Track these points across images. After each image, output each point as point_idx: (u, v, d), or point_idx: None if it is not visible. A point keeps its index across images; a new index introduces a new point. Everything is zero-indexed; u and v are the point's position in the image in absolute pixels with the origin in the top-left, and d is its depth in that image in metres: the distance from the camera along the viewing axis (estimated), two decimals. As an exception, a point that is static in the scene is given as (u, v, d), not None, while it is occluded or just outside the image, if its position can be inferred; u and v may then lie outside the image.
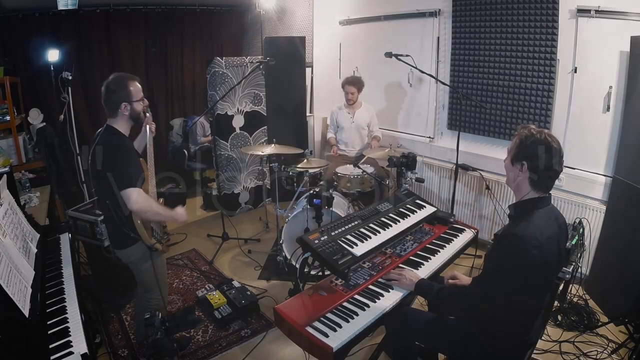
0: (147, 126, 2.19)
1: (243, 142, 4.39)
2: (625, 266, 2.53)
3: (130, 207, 1.85)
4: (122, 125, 2.00)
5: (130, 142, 2.04)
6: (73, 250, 2.17)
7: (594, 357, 2.31)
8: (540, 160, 1.46)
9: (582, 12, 2.78)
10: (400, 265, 1.97)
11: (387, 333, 1.94)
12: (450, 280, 1.94)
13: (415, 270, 1.91)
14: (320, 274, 2.65)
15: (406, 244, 2.16)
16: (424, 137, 4.06)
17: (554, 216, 1.53)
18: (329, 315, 1.62)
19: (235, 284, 2.98)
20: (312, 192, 2.77)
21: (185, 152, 5.05)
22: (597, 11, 2.72)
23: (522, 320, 1.52)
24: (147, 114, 2.18)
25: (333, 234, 1.98)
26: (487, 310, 1.52)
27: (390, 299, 1.73)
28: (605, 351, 2.35)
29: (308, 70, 4.76)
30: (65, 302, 1.66)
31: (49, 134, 3.77)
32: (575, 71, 2.91)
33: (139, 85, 2.02)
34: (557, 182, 3.07)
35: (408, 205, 2.42)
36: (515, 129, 3.26)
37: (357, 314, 1.63)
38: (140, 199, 1.85)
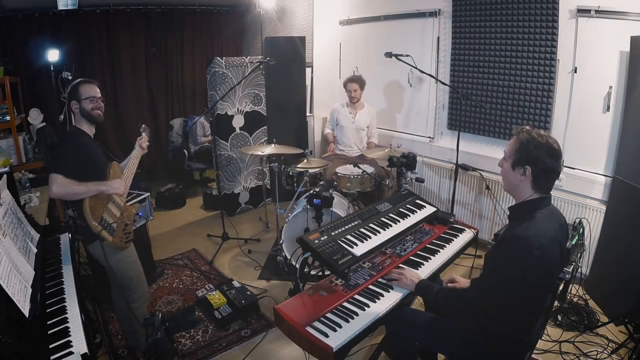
0: (138, 143, 2.33)
1: (243, 142, 4.39)
2: (625, 266, 2.53)
3: (50, 189, 1.94)
4: (83, 126, 2.11)
5: (86, 138, 2.09)
6: (73, 250, 2.17)
7: (594, 357, 2.31)
8: (544, 164, 1.44)
9: (582, 12, 2.78)
10: (400, 265, 1.97)
11: (387, 333, 1.94)
12: (449, 284, 1.94)
13: (415, 271, 1.91)
14: (320, 274, 2.65)
15: (406, 244, 2.16)
16: (424, 137, 4.06)
17: (555, 216, 1.52)
18: (329, 315, 1.62)
19: (235, 284, 2.98)
20: (312, 192, 2.77)
21: (185, 152, 5.05)
22: (597, 11, 2.72)
23: (524, 321, 1.52)
24: (144, 134, 2.37)
25: (333, 234, 1.98)
26: (487, 311, 1.52)
27: (390, 299, 1.73)
28: (605, 351, 2.35)
29: (308, 70, 4.76)
30: (65, 302, 1.66)
31: (49, 134, 3.77)
32: (575, 71, 2.91)
33: (93, 87, 2.12)
34: (557, 182, 3.08)
35: (408, 205, 2.42)
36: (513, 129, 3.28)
37: (357, 314, 1.63)
38: (59, 182, 1.91)
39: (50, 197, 1.97)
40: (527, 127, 1.51)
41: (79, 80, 2.14)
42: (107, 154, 2.20)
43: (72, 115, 2.13)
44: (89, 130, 2.12)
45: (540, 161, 1.44)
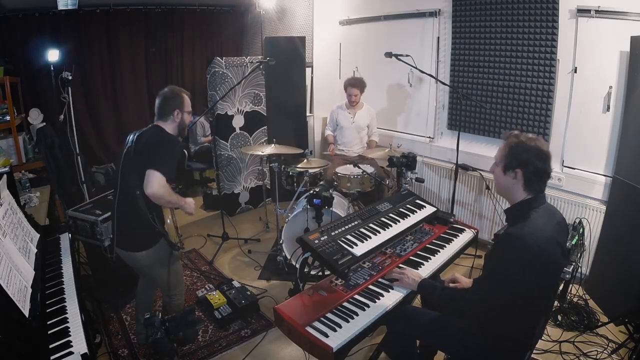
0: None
1: (243, 142, 4.39)
2: (625, 266, 2.53)
3: (150, 187, 1.84)
4: (169, 129, 2.08)
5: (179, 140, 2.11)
6: (73, 250, 2.17)
7: (594, 357, 2.31)
8: (534, 166, 1.47)
9: (582, 12, 2.78)
10: (400, 265, 1.97)
11: (387, 332, 1.94)
12: (450, 284, 1.94)
13: (416, 270, 1.90)
14: (320, 274, 2.64)
15: (406, 244, 2.16)
16: (424, 137, 4.06)
17: (551, 214, 1.53)
18: (329, 315, 1.62)
19: (235, 284, 2.98)
20: (312, 192, 2.77)
21: (185, 152, 5.05)
22: (597, 11, 2.72)
23: (526, 321, 1.52)
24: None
25: (333, 234, 1.98)
26: (489, 312, 1.52)
27: (390, 299, 1.73)
28: (605, 351, 2.35)
29: (308, 70, 4.76)
30: (65, 302, 1.66)
31: (49, 134, 3.77)
32: (575, 71, 2.91)
33: (189, 100, 2.13)
34: (557, 182, 3.08)
35: (408, 205, 2.42)
36: (513, 129, 3.28)
37: (357, 314, 1.63)
38: (162, 183, 1.86)
39: (148, 193, 1.85)
40: (516, 132, 1.55)
41: (178, 88, 2.12)
42: None
43: (164, 121, 2.06)
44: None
45: (530, 164, 1.47)
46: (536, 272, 1.40)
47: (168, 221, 1.99)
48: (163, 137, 2.01)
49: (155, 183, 1.84)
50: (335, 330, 1.53)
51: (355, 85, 3.87)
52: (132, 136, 2.04)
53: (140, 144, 1.97)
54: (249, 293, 2.87)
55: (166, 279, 2.13)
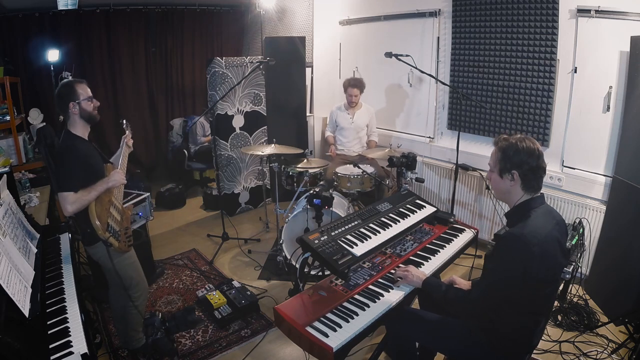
0: (124, 141, 2.30)
1: (243, 142, 4.39)
2: (625, 266, 2.53)
3: (64, 209, 1.90)
4: (78, 128, 2.04)
5: (83, 144, 2.04)
6: (73, 250, 2.17)
7: (594, 357, 2.31)
8: (528, 164, 1.49)
9: (582, 12, 2.78)
10: (400, 265, 1.97)
11: (387, 332, 1.94)
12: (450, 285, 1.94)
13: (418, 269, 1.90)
14: (320, 274, 2.65)
15: (406, 244, 2.16)
16: (424, 137, 4.06)
17: (550, 214, 1.55)
18: (329, 315, 1.62)
19: (235, 284, 2.98)
20: (312, 192, 2.77)
21: (185, 152, 5.06)
22: (597, 11, 2.72)
23: (528, 322, 1.52)
24: (127, 131, 2.34)
25: (333, 234, 1.98)
26: (491, 312, 1.52)
27: (390, 299, 1.73)
28: (605, 351, 2.35)
29: (308, 70, 4.76)
30: (65, 302, 1.66)
31: (49, 134, 3.76)
32: (575, 71, 2.91)
33: (87, 86, 2.06)
34: (557, 182, 3.08)
35: (408, 205, 2.42)
36: (513, 130, 3.28)
37: (357, 314, 1.63)
38: (71, 200, 1.89)
39: (67, 215, 1.92)
40: (504, 135, 1.58)
41: (71, 80, 2.05)
42: (102, 156, 2.17)
43: (67, 118, 2.03)
44: (84, 132, 2.08)
45: (525, 163, 1.49)
46: (537, 271, 1.40)
47: (93, 211, 1.95)
48: (64, 149, 1.99)
49: (66, 204, 1.89)
50: (335, 330, 1.53)
51: (355, 85, 3.88)
52: None
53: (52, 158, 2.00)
54: (249, 293, 2.87)
55: (116, 276, 2.10)
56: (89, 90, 2.06)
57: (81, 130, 2.06)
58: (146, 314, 2.21)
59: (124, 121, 2.42)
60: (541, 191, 1.57)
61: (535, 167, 1.50)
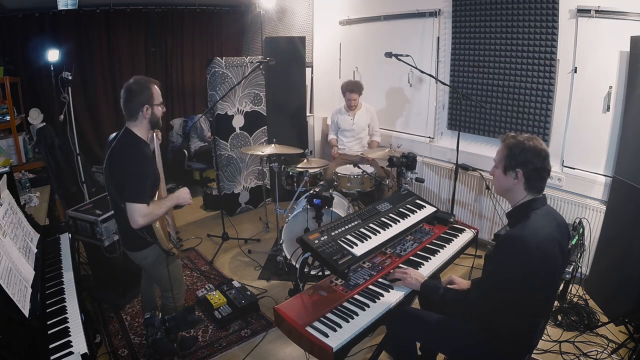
0: (154, 134, 2.17)
1: (243, 142, 4.39)
2: (625, 266, 2.53)
3: (134, 222, 1.78)
4: (141, 130, 1.94)
5: (148, 149, 1.97)
6: (73, 250, 2.17)
7: (594, 357, 2.31)
8: (534, 164, 1.48)
9: (582, 12, 2.78)
10: (400, 265, 1.97)
11: (387, 332, 1.94)
12: (448, 286, 1.94)
13: (417, 271, 1.90)
14: (320, 274, 2.65)
15: (406, 244, 2.16)
16: (424, 137, 4.06)
17: (551, 216, 1.54)
18: (329, 315, 1.62)
19: (235, 284, 2.98)
20: (312, 192, 2.77)
21: (185, 152, 5.06)
22: (597, 11, 2.72)
23: (528, 323, 1.52)
24: None
25: (333, 234, 1.98)
26: (490, 312, 1.52)
27: (390, 299, 1.73)
28: (605, 351, 2.35)
29: (308, 70, 4.76)
30: (65, 302, 1.67)
31: (49, 134, 3.77)
32: (575, 71, 2.91)
33: (159, 90, 1.98)
34: (557, 182, 3.08)
35: (408, 205, 2.42)
36: (513, 129, 3.28)
37: (357, 314, 1.63)
38: (144, 212, 1.79)
39: (134, 227, 1.79)
40: (512, 133, 1.57)
41: (145, 79, 1.94)
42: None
43: (134, 120, 1.90)
44: (146, 134, 1.96)
45: (530, 162, 1.49)
46: (536, 272, 1.40)
47: (157, 225, 1.89)
48: (133, 156, 1.85)
49: (137, 216, 1.77)
50: (335, 330, 1.53)
51: (353, 90, 3.87)
52: (110, 139, 1.95)
53: (113, 157, 1.86)
54: (249, 293, 2.87)
55: (165, 279, 2.10)
56: (160, 93, 1.97)
57: (144, 132, 1.95)
58: (146, 314, 2.20)
59: None
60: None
61: (540, 168, 1.49)
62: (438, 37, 3.75)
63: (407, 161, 2.88)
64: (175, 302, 2.23)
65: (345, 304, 1.69)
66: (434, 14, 3.72)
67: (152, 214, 1.83)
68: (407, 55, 3.29)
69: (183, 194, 2.01)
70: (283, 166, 3.49)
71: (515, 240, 1.43)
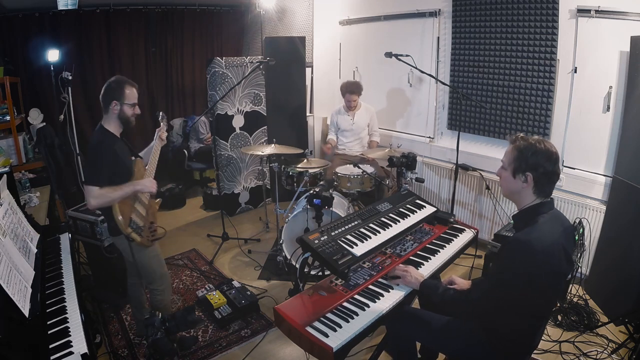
0: (158, 134, 2.31)
1: (243, 142, 4.39)
2: (625, 266, 2.53)
3: (88, 202, 1.96)
4: (112, 126, 2.07)
5: (114, 140, 2.06)
6: (73, 250, 2.17)
7: (594, 357, 2.31)
8: (544, 168, 1.46)
9: (582, 12, 2.78)
10: (401, 264, 1.97)
11: (388, 332, 1.94)
12: (448, 286, 1.94)
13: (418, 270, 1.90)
14: (320, 274, 2.65)
15: (406, 244, 2.16)
16: (424, 137, 4.06)
17: (559, 221, 1.52)
18: (329, 315, 1.61)
19: (235, 284, 2.98)
20: (312, 192, 2.76)
21: (185, 152, 5.06)
22: (597, 11, 2.72)
23: (528, 323, 1.51)
24: (162, 123, 2.36)
25: (333, 234, 1.97)
26: (492, 314, 1.52)
27: (390, 299, 1.73)
28: (605, 351, 2.35)
29: (308, 70, 4.76)
30: (65, 302, 1.66)
31: (49, 134, 3.77)
32: (575, 71, 2.91)
33: (136, 92, 2.11)
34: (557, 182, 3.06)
35: (408, 205, 2.42)
36: (513, 129, 3.28)
37: (357, 314, 1.63)
38: (96, 194, 1.93)
39: (89, 209, 2.00)
40: (522, 134, 1.53)
41: (123, 80, 2.10)
42: (131, 150, 2.20)
43: (105, 113, 2.06)
44: (117, 130, 2.10)
45: (540, 166, 1.46)
46: (541, 277, 1.39)
47: (119, 218, 1.99)
48: (95, 144, 2.02)
49: (89, 196, 1.94)
50: (335, 330, 1.53)
51: (353, 91, 3.87)
52: None
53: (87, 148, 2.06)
54: (249, 293, 2.87)
55: (145, 271, 2.19)
56: (136, 96, 2.10)
57: (114, 128, 2.08)
58: (146, 314, 2.20)
59: (160, 113, 2.44)
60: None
61: (550, 171, 1.47)
62: (438, 37, 3.75)
63: (407, 161, 2.88)
64: (162, 296, 2.28)
65: (345, 304, 1.69)
66: (434, 14, 3.72)
67: (104, 196, 1.95)
68: (407, 55, 3.29)
69: (146, 182, 2.11)
70: (283, 166, 3.49)
71: (521, 245, 1.41)
